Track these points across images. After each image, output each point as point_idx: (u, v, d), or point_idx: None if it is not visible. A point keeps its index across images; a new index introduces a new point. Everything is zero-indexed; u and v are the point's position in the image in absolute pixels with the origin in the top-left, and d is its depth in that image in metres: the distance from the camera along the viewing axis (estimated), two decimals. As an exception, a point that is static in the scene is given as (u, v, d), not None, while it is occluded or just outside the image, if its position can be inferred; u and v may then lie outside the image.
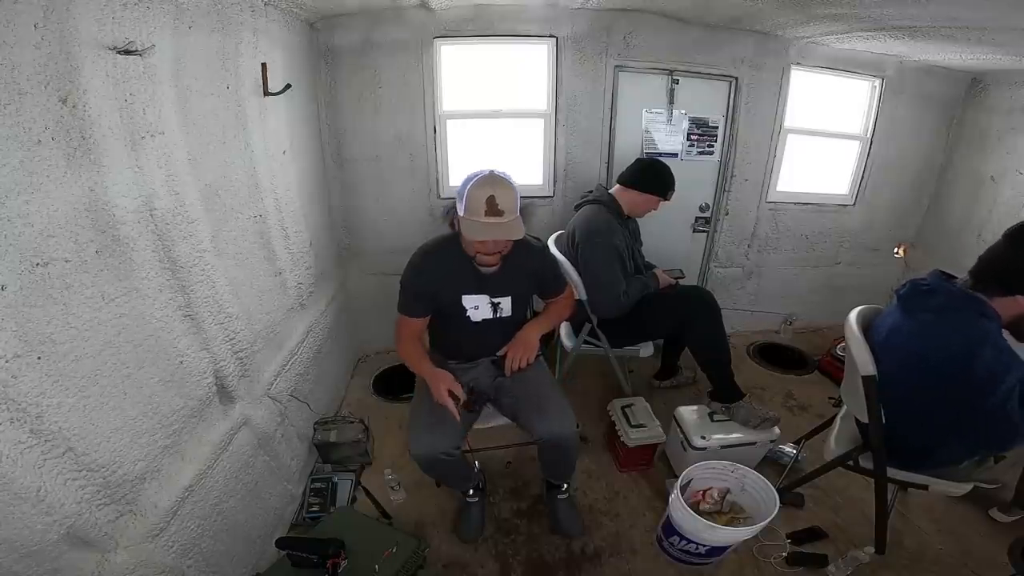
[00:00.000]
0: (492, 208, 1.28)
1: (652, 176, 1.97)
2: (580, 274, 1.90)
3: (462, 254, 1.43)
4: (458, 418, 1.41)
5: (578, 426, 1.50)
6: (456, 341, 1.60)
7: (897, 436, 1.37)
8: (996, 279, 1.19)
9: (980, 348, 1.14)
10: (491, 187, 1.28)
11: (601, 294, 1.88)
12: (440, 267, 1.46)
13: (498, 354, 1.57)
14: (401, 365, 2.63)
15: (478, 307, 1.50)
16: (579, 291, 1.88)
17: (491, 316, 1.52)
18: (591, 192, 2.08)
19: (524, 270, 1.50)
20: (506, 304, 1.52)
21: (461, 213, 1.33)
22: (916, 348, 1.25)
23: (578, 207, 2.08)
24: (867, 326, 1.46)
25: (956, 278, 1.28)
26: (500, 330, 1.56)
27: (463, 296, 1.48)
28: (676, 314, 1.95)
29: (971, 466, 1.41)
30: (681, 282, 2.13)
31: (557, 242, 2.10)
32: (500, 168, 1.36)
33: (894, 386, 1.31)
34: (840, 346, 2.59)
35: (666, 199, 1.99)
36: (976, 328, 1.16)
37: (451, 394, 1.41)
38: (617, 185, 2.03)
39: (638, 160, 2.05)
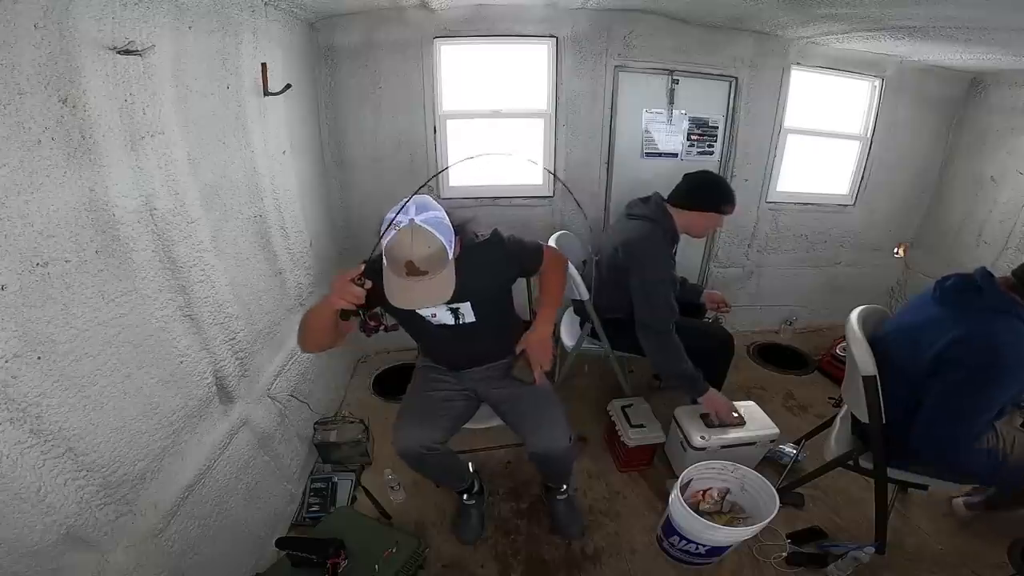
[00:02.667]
0: (413, 270, 1.09)
1: (706, 192, 1.80)
2: (627, 291, 1.81)
3: None
4: (360, 295, 1.11)
5: (571, 439, 1.44)
6: (433, 347, 1.55)
7: (898, 434, 1.37)
8: None
9: (1007, 361, 1.16)
10: (409, 247, 1.07)
11: (652, 326, 1.78)
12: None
13: (513, 355, 1.47)
14: (401, 365, 2.64)
15: (435, 315, 1.38)
16: (581, 292, 1.86)
17: (452, 323, 1.40)
18: (643, 202, 1.89)
19: (483, 268, 1.32)
20: (466, 309, 1.38)
21: (385, 262, 1.13)
22: (952, 340, 1.23)
23: (630, 216, 1.89)
24: (880, 320, 1.47)
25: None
26: (472, 336, 1.43)
27: None
28: (693, 350, 1.92)
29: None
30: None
31: (561, 239, 2.08)
32: (425, 206, 1.11)
33: (909, 380, 1.31)
34: (840, 346, 2.59)
35: (727, 213, 1.83)
36: (1015, 335, 1.17)
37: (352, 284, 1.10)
38: (670, 205, 1.85)
39: (686, 177, 1.85)
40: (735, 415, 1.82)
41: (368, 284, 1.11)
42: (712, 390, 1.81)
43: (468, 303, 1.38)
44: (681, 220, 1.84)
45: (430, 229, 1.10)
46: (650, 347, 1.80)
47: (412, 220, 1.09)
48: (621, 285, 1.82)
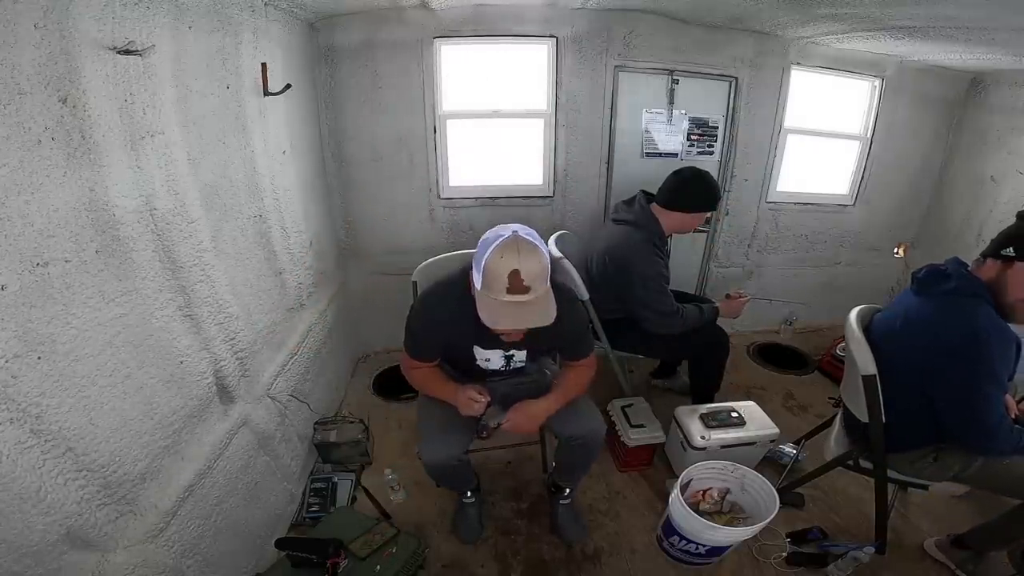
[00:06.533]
0: (516, 285, 1.06)
1: (699, 192, 1.78)
2: (625, 301, 1.83)
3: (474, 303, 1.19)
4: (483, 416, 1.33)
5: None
6: (469, 377, 1.49)
7: (895, 433, 1.37)
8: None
9: (989, 337, 1.17)
10: (515, 257, 1.05)
11: (665, 323, 1.81)
12: (449, 316, 1.29)
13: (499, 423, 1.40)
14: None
15: (489, 359, 1.40)
16: (581, 291, 1.86)
17: (503, 367, 1.42)
18: (627, 205, 1.88)
19: (550, 327, 1.20)
20: (521, 357, 1.41)
21: (477, 285, 1.13)
22: (929, 328, 1.26)
23: (615, 221, 1.89)
24: (870, 320, 1.47)
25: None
26: (515, 373, 1.47)
27: (474, 347, 1.37)
28: (690, 349, 1.97)
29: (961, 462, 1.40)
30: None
31: (559, 241, 2.08)
32: (524, 227, 1.12)
33: (901, 373, 1.31)
34: (840, 346, 2.59)
35: (716, 209, 1.85)
36: (989, 318, 1.19)
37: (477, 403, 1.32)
38: (656, 205, 1.83)
39: (676, 175, 1.80)
40: (746, 296, 1.95)
41: (488, 400, 1.29)
42: (721, 304, 1.91)
43: (525, 351, 1.40)
44: (669, 221, 1.83)
45: (532, 240, 1.08)
46: (675, 327, 1.82)
47: (516, 232, 1.08)
48: (611, 288, 1.83)
